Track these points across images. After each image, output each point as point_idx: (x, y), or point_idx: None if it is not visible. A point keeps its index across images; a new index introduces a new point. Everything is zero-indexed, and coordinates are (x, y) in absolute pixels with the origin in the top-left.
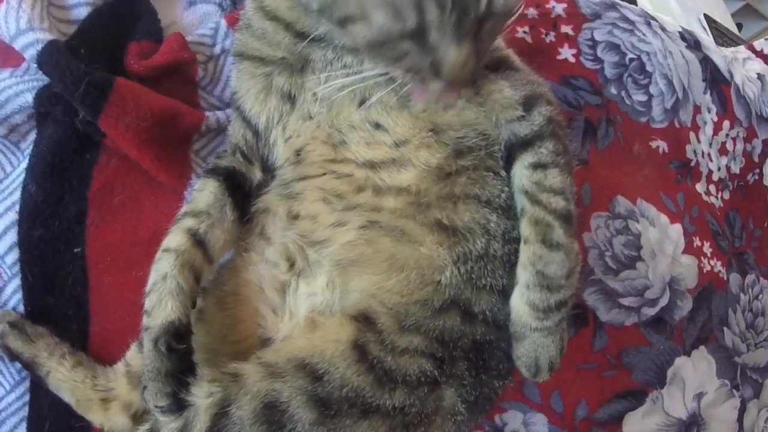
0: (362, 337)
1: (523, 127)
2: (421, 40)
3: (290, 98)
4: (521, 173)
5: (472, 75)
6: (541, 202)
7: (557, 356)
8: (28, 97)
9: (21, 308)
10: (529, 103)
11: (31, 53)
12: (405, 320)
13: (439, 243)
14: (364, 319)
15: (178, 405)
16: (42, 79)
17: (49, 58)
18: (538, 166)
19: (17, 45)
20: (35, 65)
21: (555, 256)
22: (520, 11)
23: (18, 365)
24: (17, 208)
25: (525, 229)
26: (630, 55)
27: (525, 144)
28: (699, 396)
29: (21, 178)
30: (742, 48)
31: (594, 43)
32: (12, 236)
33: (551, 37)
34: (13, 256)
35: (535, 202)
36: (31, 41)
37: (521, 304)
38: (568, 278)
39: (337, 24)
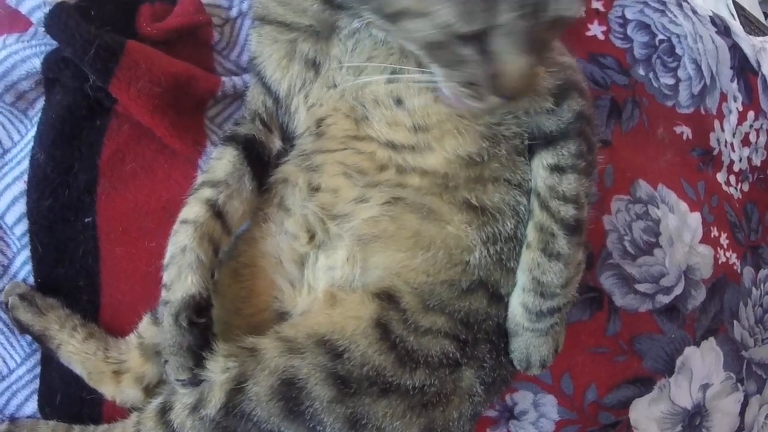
0: (385, 316)
1: (550, 122)
2: (483, 46)
3: (314, 65)
4: (537, 173)
5: (532, 89)
6: (550, 209)
7: (549, 355)
8: (36, 63)
9: (31, 280)
10: (560, 95)
11: (38, 16)
12: (429, 300)
13: (468, 222)
14: (387, 297)
15: (200, 378)
16: (50, 44)
17: (57, 21)
18: (555, 168)
19: (23, 8)
20: (42, 29)
21: (553, 266)
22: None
23: (29, 338)
24: (26, 177)
25: (529, 233)
26: (660, 36)
27: (548, 141)
28: (705, 387)
29: (29, 147)
30: None
31: (624, 21)
32: (21, 207)
33: (581, 12)
34: (23, 227)
35: (544, 208)
36: (37, 4)
37: (516, 304)
38: (564, 287)
39: (387, 18)
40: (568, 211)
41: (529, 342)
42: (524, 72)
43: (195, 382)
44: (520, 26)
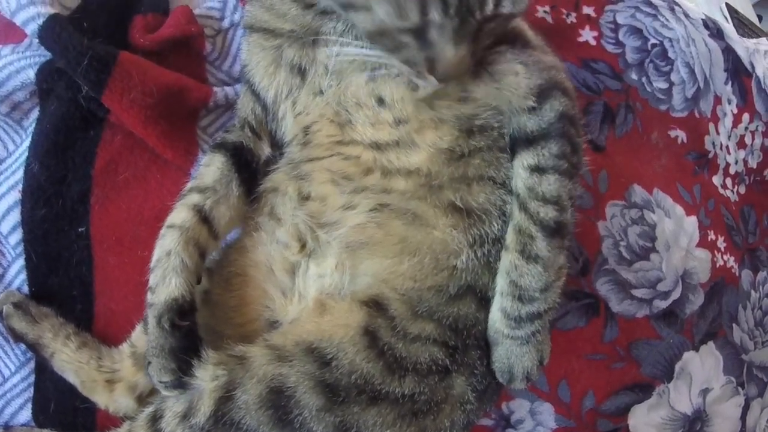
0: (373, 323)
1: (531, 121)
2: (421, 35)
3: (300, 71)
4: (517, 173)
5: (465, 73)
6: (529, 210)
7: (534, 367)
8: (30, 74)
9: (25, 288)
10: (543, 94)
11: (32, 28)
12: (418, 306)
13: (453, 226)
14: (375, 305)
15: (183, 381)
16: (44, 55)
17: (50, 32)
18: (536, 169)
19: (18, 20)
20: (37, 40)
21: (531, 269)
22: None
23: (23, 346)
24: (20, 187)
25: (508, 235)
26: (652, 41)
27: (529, 141)
28: (705, 392)
29: (24, 157)
30: (764, 40)
31: (616, 26)
32: (15, 216)
33: (572, 18)
34: (17, 236)
35: (523, 209)
36: (32, 15)
37: (495, 309)
38: (544, 292)
39: (341, 7)
40: (548, 213)
41: (510, 351)
42: (458, 60)
43: (178, 384)
44: (451, 22)
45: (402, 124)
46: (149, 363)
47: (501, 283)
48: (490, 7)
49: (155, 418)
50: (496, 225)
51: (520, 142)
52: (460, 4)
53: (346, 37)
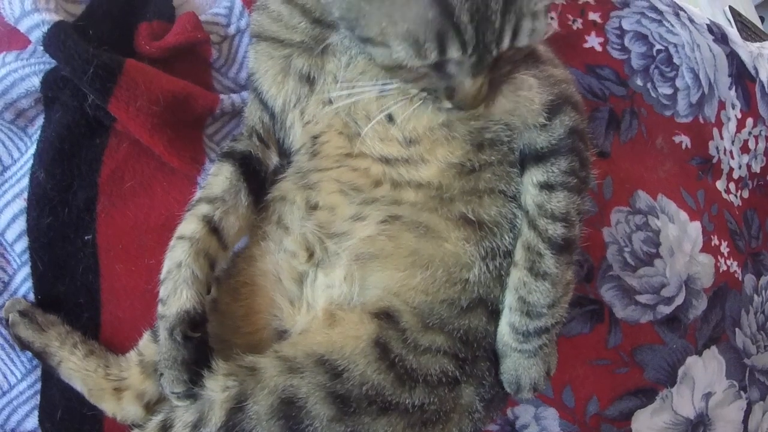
0: (384, 335)
1: (541, 138)
2: (440, 68)
3: (309, 80)
4: (527, 189)
5: (485, 101)
6: (538, 228)
7: (541, 378)
8: (35, 81)
9: (31, 296)
10: (553, 110)
11: (36, 35)
12: (429, 319)
13: (465, 239)
14: (386, 317)
15: (194, 391)
16: (49, 62)
17: (55, 40)
18: (545, 186)
19: (22, 27)
20: (41, 48)
21: (539, 286)
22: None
23: (29, 353)
24: (26, 195)
25: (517, 251)
26: (658, 47)
27: (538, 157)
28: (707, 396)
29: (29, 165)
30: (767, 44)
31: (622, 32)
32: (21, 224)
33: (578, 24)
34: (23, 244)
35: (532, 227)
36: (36, 22)
37: (503, 324)
38: (551, 307)
39: (359, 40)
40: (556, 230)
41: (517, 363)
42: (476, 91)
43: (190, 395)
44: (469, 60)
45: (413, 145)
46: (161, 374)
47: (509, 298)
48: (506, 44)
49: (165, 428)
50: (507, 238)
51: (530, 158)
52: (478, 42)
53: (355, 49)
